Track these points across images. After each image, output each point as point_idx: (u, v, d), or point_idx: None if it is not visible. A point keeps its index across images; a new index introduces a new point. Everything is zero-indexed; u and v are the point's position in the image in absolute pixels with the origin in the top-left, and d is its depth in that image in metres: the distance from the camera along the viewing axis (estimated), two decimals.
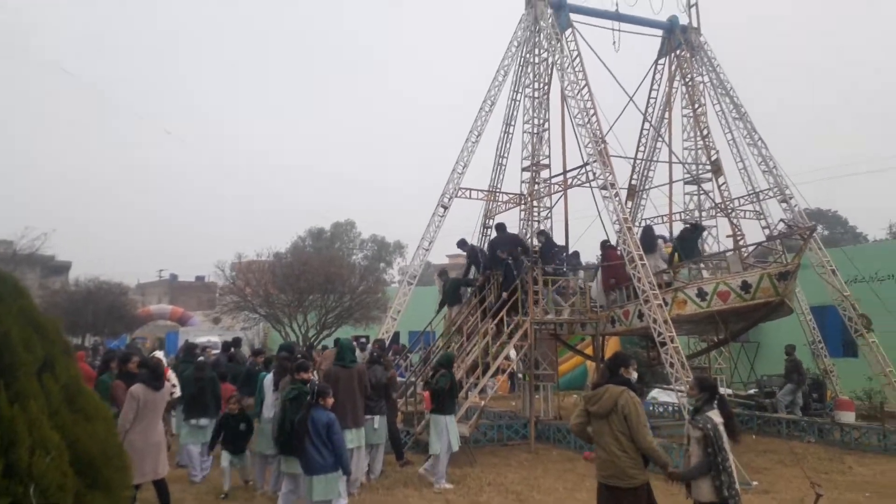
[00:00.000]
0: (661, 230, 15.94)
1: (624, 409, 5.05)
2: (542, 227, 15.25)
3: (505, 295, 12.62)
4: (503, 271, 13.09)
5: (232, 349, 13.22)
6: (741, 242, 15.32)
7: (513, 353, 12.31)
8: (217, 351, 16.60)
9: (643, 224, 16.24)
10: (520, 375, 15.02)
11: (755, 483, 9.13)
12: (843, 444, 12.10)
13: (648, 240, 13.32)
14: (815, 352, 15.28)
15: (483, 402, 11.96)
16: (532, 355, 13.07)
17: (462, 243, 14.91)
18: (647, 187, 17.54)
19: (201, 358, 9.64)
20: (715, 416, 5.14)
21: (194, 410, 9.05)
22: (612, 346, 17.89)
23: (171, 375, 8.95)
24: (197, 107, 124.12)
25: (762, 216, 16.08)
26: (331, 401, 6.51)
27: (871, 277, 17.88)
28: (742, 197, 16.37)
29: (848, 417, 12.74)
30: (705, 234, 15.64)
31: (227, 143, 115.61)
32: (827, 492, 8.33)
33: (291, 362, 7.69)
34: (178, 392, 8.81)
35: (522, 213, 16.41)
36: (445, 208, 15.88)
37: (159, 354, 9.17)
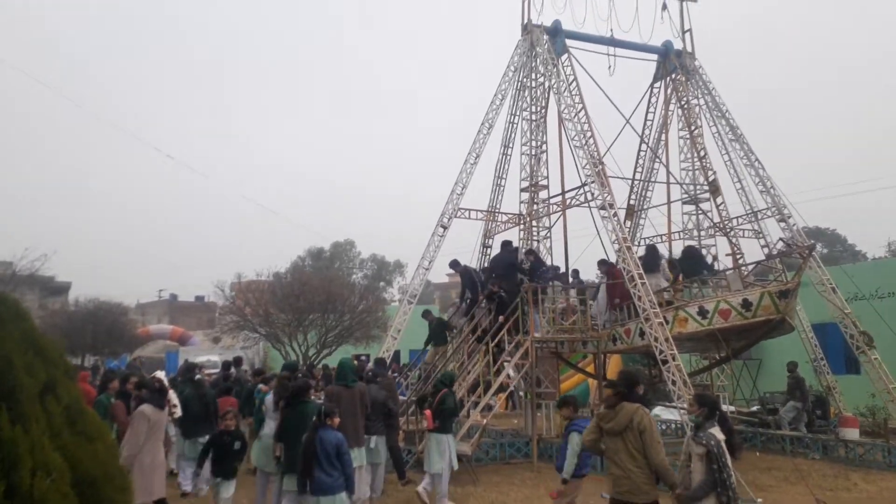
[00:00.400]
0: (662, 249, 16.00)
1: (640, 425, 5.16)
2: (530, 247, 15.29)
3: (501, 318, 12.60)
4: (496, 301, 13.11)
5: (232, 369, 13.18)
6: (740, 261, 15.35)
7: (512, 372, 12.28)
8: (216, 371, 16.57)
9: (645, 243, 16.33)
10: (521, 394, 14.96)
11: (760, 500, 9.04)
12: (847, 460, 12.02)
13: (651, 259, 13.38)
14: (818, 369, 15.26)
15: (485, 421, 11.90)
16: (533, 374, 13.04)
17: (454, 264, 14.92)
18: (645, 207, 17.63)
19: (198, 377, 9.63)
20: (717, 432, 5.14)
21: (198, 429, 9.06)
22: (613, 364, 17.82)
23: (172, 395, 8.93)
24: (196, 125, 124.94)
25: (761, 235, 16.14)
26: (338, 420, 6.50)
27: (871, 295, 17.89)
28: (740, 216, 16.44)
29: (852, 434, 12.67)
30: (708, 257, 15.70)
31: (227, 162, 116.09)
32: None
33: (291, 382, 7.69)
34: (178, 412, 8.80)
35: (522, 232, 16.49)
36: (445, 228, 15.97)
37: (160, 374, 9.16)
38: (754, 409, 15.88)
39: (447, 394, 9.17)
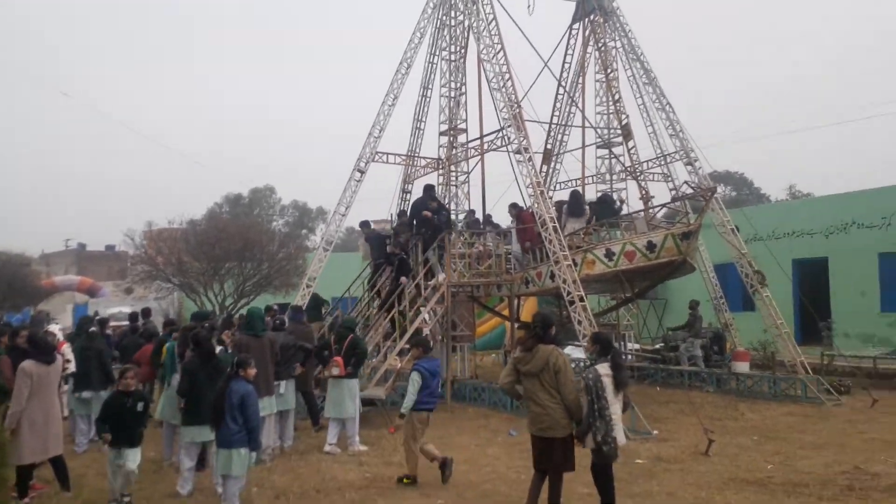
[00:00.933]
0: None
1: (555, 366, 5.46)
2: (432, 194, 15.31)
3: (402, 280, 12.65)
4: (397, 263, 13.19)
5: (140, 320, 12.70)
6: (649, 204, 15.85)
7: (427, 316, 12.41)
8: (126, 323, 15.96)
9: (560, 188, 16.59)
10: (438, 338, 15.15)
11: (655, 432, 9.64)
12: (737, 392, 12.96)
13: (576, 204, 13.67)
14: (717, 307, 16.14)
15: (399, 365, 12.04)
16: (448, 318, 13.23)
17: (364, 224, 14.79)
18: (561, 152, 17.85)
19: (93, 329, 9.19)
20: (603, 368, 5.42)
21: (83, 383, 8.77)
22: (529, 306, 18.32)
23: (66, 350, 8.53)
24: (97, 65, 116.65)
25: (670, 178, 16.67)
26: (252, 371, 6.25)
27: (768, 236, 19.00)
28: (650, 160, 16.91)
29: (743, 367, 13.62)
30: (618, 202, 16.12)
31: (135, 101, 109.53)
32: (719, 437, 8.94)
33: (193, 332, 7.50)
34: (72, 367, 8.41)
35: (440, 177, 16.41)
36: (362, 172, 15.70)
37: (54, 328, 8.71)
38: (658, 346, 16.76)
39: (357, 338, 9.16)
